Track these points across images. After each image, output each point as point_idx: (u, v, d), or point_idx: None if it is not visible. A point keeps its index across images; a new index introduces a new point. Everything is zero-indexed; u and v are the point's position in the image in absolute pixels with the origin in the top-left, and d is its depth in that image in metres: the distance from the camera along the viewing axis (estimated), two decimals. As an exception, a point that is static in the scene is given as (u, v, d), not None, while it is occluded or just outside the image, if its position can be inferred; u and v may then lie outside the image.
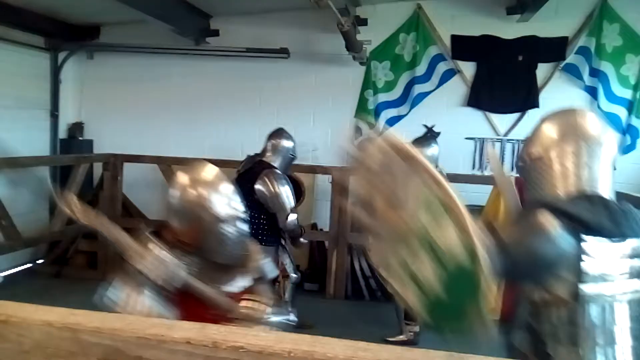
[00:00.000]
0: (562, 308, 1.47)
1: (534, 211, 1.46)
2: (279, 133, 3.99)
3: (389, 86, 5.84)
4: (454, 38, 5.67)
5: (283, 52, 5.85)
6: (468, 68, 5.70)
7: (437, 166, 4.25)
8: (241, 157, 5.44)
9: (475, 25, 5.61)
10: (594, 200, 1.50)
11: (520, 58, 5.54)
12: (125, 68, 6.33)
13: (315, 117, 6.00)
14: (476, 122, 5.73)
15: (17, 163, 5.42)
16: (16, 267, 5.70)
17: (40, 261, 5.91)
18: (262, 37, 5.89)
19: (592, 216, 1.45)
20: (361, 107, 5.88)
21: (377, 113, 5.84)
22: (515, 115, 5.66)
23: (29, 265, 5.88)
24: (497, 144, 5.69)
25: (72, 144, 6.33)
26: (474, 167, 5.72)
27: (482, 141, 5.70)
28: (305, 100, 5.99)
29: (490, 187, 4.85)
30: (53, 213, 5.94)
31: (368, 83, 5.84)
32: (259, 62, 5.97)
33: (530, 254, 1.43)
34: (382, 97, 5.84)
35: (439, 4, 5.65)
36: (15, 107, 5.72)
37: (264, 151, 3.92)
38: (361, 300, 5.20)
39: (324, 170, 5.24)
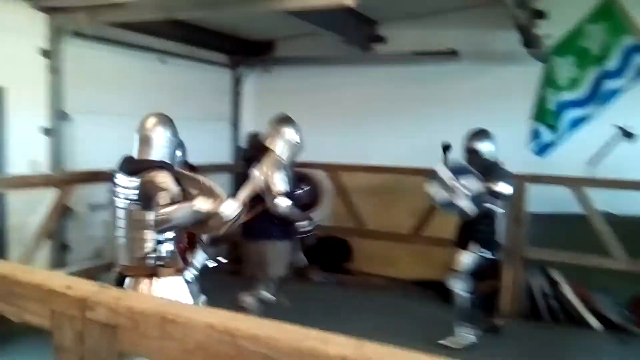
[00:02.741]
0: None
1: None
2: (284, 120, 3.95)
3: (574, 84, 5.23)
4: (655, 25, 4.89)
5: (452, 54, 5.63)
6: (673, 59, 4.87)
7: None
8: (410, 163, 5.36)
9: (683, 8, 4.78)
10: None
11: None
12: (297, 79, 6.66)
13: (487, 120, 5.64)
14: (684, 121, 4.87)
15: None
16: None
17: (222, 259, 6.44)
18: (429, 39, 5.76)
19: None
20: (539, 108, 5.37)
21: (557, 114, 5.29)
22: None
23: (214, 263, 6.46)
24: None
25: (250, 153, 6.86)
26: (680, 174, 4.87)
27: (692, 143, 4.82)
28: (476, 102, 5.68)
29: None
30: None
31: (548, 81, 5.32)
32: (427, 65, 5.83)
33: None
34: (565, 96, 5.27)
35: (634, -12, 4.94)
36: (201, 118, 6.34)
37: (268, 136, 3.94)
38: (539, 321, 4.73)
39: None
